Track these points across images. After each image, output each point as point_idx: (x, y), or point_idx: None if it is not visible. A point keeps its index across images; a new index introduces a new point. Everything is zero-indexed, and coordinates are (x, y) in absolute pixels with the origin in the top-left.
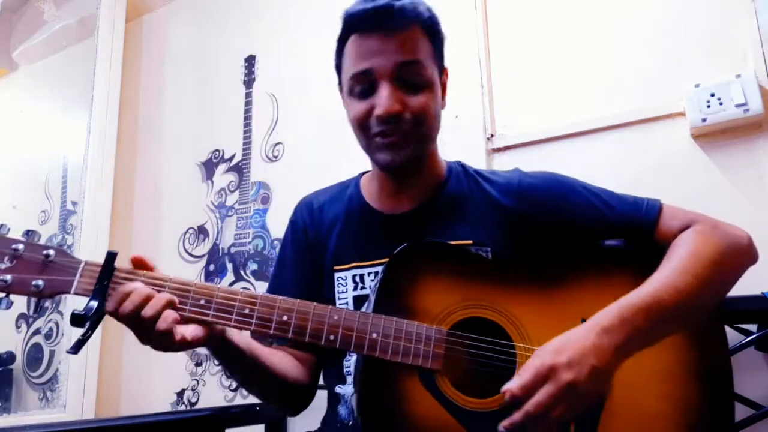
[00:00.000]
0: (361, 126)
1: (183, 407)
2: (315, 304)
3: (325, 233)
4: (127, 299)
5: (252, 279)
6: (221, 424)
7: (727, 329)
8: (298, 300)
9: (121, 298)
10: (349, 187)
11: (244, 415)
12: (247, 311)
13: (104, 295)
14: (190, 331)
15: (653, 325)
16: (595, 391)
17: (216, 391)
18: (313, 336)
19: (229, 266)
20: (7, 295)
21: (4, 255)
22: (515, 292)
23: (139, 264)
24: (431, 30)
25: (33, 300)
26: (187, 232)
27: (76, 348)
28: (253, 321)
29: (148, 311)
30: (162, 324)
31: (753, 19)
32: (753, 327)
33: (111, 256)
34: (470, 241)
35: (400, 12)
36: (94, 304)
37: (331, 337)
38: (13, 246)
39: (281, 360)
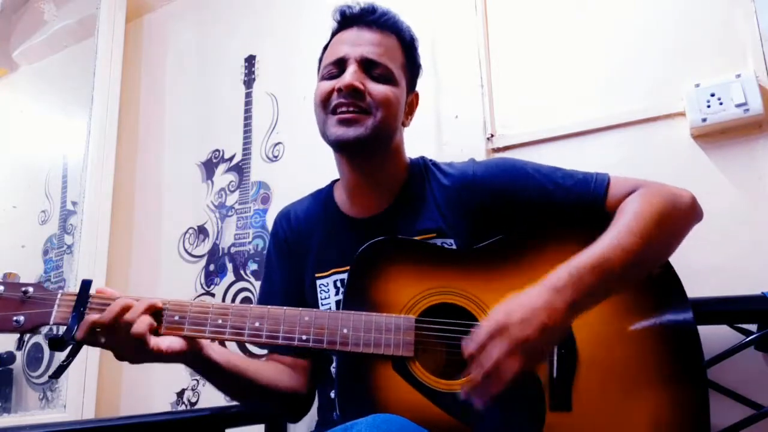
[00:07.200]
0: (323, 102)
1: (183, 407)
2: (287, 308)
3: (305, 242)
4: (107, 309)
5: (252, 279)
6: (221, 424)
7: (727, 329)
8: (269, 306)
9: (101, 309)
10: (323, 194)
11: (244, 415)
12: (220, 322)
13: (81, 320)
14: (165, 343)
15: (602, 283)
16: (546, 346)
17: (216, 391)
18: (287, 338)
19: (229, 266)
20: None
21: None
22: (477, 275)
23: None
24: (408, 48)
25: (16, 336)
26: (187, 232)
27: (58, 373)
28: (227, 330)
29: (128, 316)
30: (137, 327)
31: (753, 19)
32: (753, 327)
33: (85, 285)
34: (434, 234)
35: (381, 15)
36: (74, 326)
37: (304, 337)
38: None
39: (271, 372)
